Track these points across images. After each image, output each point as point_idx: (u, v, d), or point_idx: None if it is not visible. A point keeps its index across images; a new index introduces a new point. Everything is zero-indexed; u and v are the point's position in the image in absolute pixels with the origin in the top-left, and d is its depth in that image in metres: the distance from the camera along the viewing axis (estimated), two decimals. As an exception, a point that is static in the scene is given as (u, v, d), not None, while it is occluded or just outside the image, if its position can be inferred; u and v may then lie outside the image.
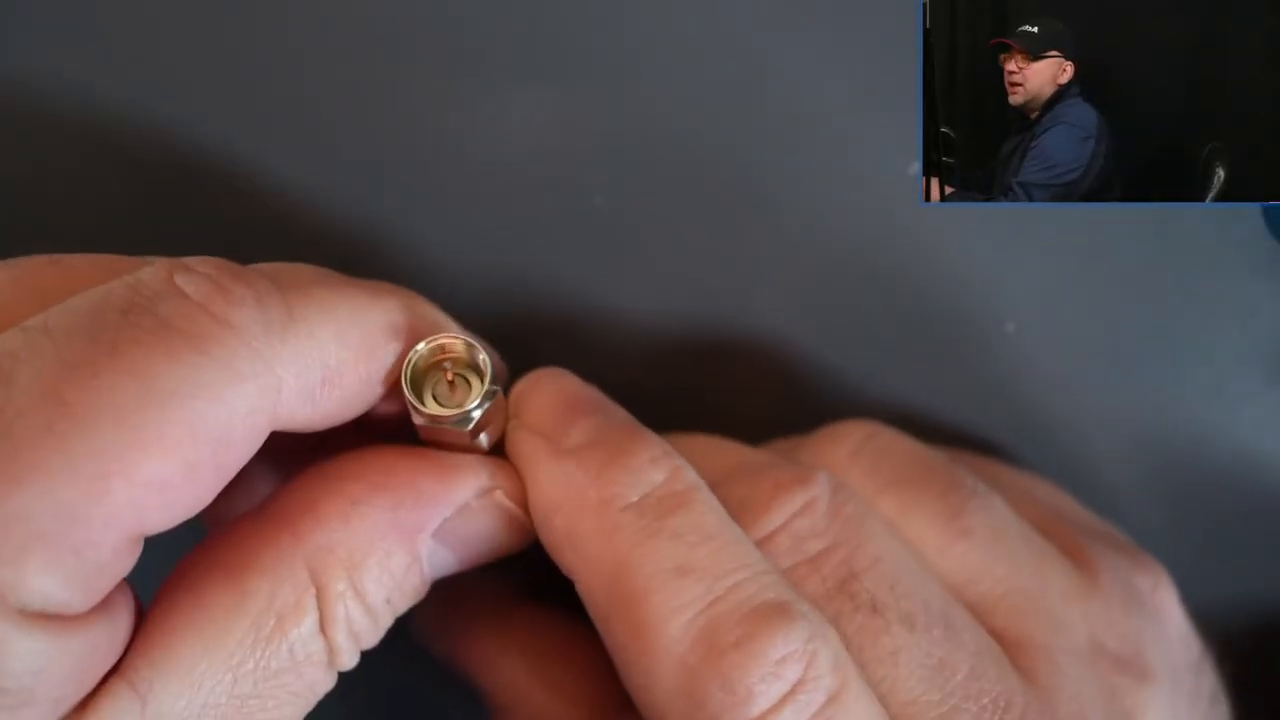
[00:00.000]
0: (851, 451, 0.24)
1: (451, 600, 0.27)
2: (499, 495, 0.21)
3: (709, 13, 0.25)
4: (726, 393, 0.28)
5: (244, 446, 0.18)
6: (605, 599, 0.20)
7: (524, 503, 0.21)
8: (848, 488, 0.23)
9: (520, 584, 0.27)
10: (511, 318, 0.27)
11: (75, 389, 0.16)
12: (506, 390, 0.22)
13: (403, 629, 0.23)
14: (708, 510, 0.20)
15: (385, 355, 0.20)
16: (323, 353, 0.19)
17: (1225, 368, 0.28)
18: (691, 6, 0.25)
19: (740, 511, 0.21)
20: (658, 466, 0.20)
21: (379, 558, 0.20)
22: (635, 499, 0.20)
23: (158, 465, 0.16)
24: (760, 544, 0.21)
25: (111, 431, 0.16)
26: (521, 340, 0.27)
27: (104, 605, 0.17)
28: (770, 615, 0.19)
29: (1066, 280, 0.27)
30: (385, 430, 0.22)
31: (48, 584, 0.16)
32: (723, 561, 0.19)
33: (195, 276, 0.18)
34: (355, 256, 0.27)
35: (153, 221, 0.27)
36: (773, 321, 0.28)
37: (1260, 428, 0.28)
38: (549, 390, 0.22)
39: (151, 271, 0.18)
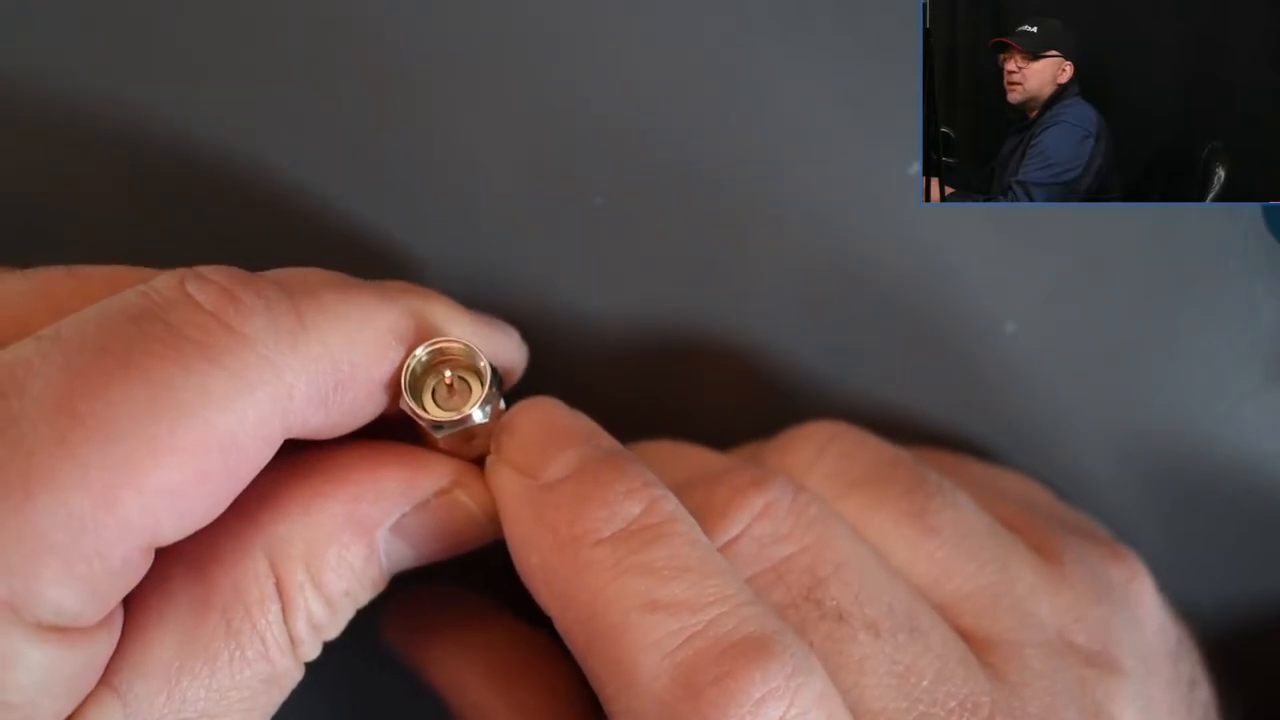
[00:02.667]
0: (815, 452, 0.24)
1: (419, 615, 0.27)
2: (459, 494, 0.21)
3: (709, 13, 0.25)
4: (724, 392, 0.28)
5: (256, 455, 0.18)
6: (583, 637, 0.19)
7: (484, 503, 0.21)
8: (808, 490, 0.23)
9: (489, 596, 0.27)
10: (511, 318, 0.27)
11: (87, 399, 0.16)
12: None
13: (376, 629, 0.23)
14: (685, 541, 0.20)
15: (397, 357, 0.20)
16: (334, 358, 0.19)
17: (1225, 368, 0.28)
18: (692, 6, 0.25)
19: (699, 518, 0.21)
20: (634, 499, 0.20)
21: (337, 549, 0.20)
22: (608, 534, 0.19)
23: (169, 475, 0.17)
24: (723, 549, 0.21)
25: (123, 442, 0.16)
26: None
27: (107, 617, 0.17)
28: (750, 651, 0.18)
29: (1066, 280, 0.27)
30: (405, 433, 0.22)
31: (62, 595, 0.16)
32: (700, 594, 0.19)
33: (207, 285, 0.18)
34: (355, 258, 0.27)
35: (157, 227, 0.27)
36: (772, 321, 0.28)
37: (1260, 428, 0.28)
38: (530, 423, 0.22)
39: (163, 280, 0.18)
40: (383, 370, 0.20)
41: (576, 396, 0.28)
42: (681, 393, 0.29)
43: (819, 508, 0.22)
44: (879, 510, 0.23)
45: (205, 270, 0.19)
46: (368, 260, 0.27)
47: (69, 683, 0.17)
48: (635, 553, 0.19)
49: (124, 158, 0.26)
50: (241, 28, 0.25)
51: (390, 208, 0.27)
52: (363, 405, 0.20)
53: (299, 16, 0.25)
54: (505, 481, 0.21)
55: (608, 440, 0.21)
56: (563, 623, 0.20)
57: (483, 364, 0.21)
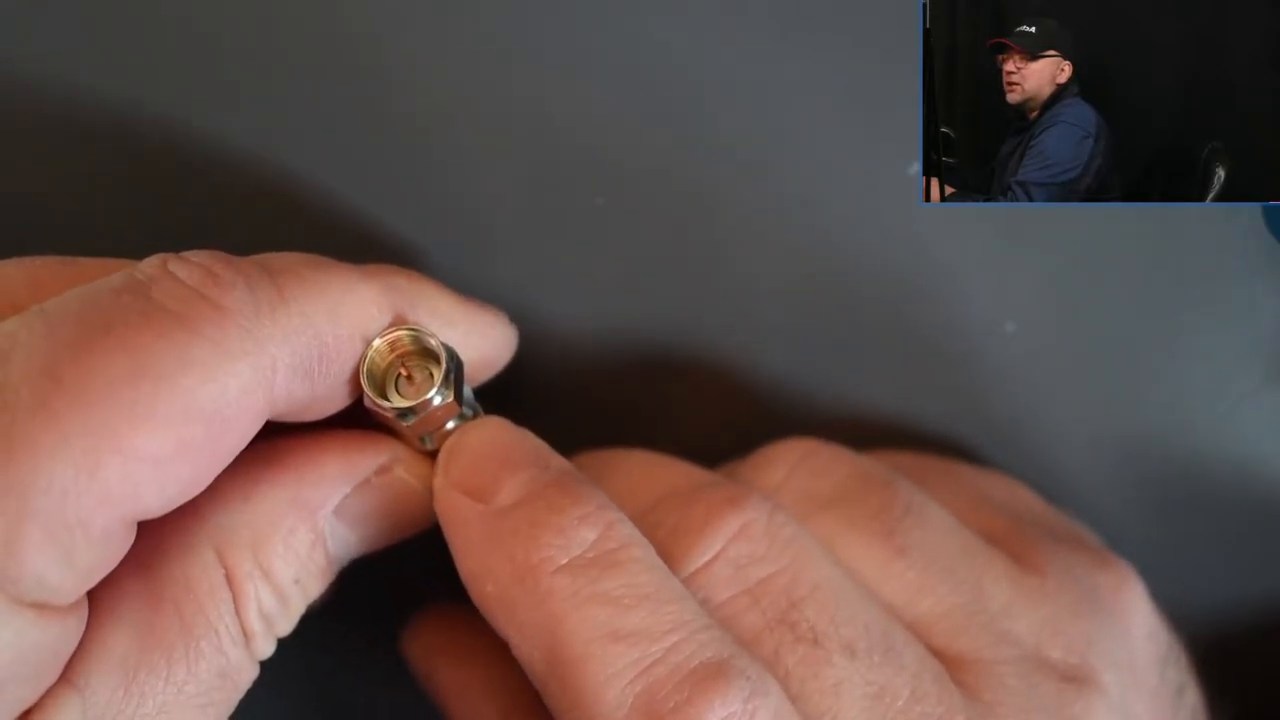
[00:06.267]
0: (786, 472, 0.24)
1: (439, 635, 0.27)
2: (398, 471, 0.21)
3: (710, 12, 0.25)
4: (723, 391, 0.28)
5: (239, 427, 0.18)
6: (542, 666, 0.19)
7: (426, 479, 0.21)
8: (784, 510, 0.23)
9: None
10: (510, 319, 0.27)
11: (68, 366, 0.16)
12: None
13: (336, 626, 0.23)
14: (642, 568, 0.20)
15: (380, 330, 0.20)
16: (316, 329, 0.19)
17: (1225, 368, 0.28)
18: (692, 6, 0.25)
19: (675, 538, 0.21)
20: (588, 524, 0.20)
21: (283, 536, 0.20)
22: (565, 561, 0.19)
23: (150, 441, 0.17)
24: (699, 572, 0.21)
25: (104, 407, 0.16)
26: (518, 340, 0.27)
27: (76, 603, 0.17)
28: (707, 677, 0.19)
29: (1066, 280, 0.27)
30: (380, 429, 0.22)
31: (43, 564, 0.16)
32: (658, 622, 0.19)
33: (188, 264, 0.18)
34: (354, 257, 0.27)
35: (157, 227, 0.27)
36: (771, 320, 0.28)
37: (1260, 428, 0.28)
38: (478, 444, 0.21)
39: (147, 261, 0.19)
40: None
41: (576, 393, 0.28)
42: (681, 390, 0.29)
43: (794, 528, 0.22)
44: (849, 531, 0.23)
45: (188, 253, 0.19)
46: (366, 258, 0.27)
47: (37, 667, 0.17)
48: (594, 582, 0.19)
49: (124, 158, 0.26)
50: (242, 29, 0.25)
51: (389, 207, 0.27)
52: (349, 379, 0.20)
53: (299, 17, 0.25)
54: (455, 506, 0.21)
55: (557, 460, 0.21)
56: (521, 650, 0.20)
57: (434, 344, 0.21)
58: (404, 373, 0.21)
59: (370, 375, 0.20)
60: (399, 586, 0.26)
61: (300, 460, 0.21)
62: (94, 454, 0.16)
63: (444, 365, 0.21)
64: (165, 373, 0.17)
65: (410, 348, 0.21)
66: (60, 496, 0.16)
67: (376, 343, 0.20)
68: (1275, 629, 0.30)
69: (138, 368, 0.17)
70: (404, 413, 0.21)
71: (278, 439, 0.21)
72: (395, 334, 0.21)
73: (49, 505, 0.16)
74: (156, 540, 0.19)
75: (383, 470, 0.21)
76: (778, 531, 0.22)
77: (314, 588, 0.21)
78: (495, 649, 0.27)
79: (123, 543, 0.17)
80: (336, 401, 0.20)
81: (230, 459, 0.18)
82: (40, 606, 0.16)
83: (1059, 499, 0.29)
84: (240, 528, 0.20)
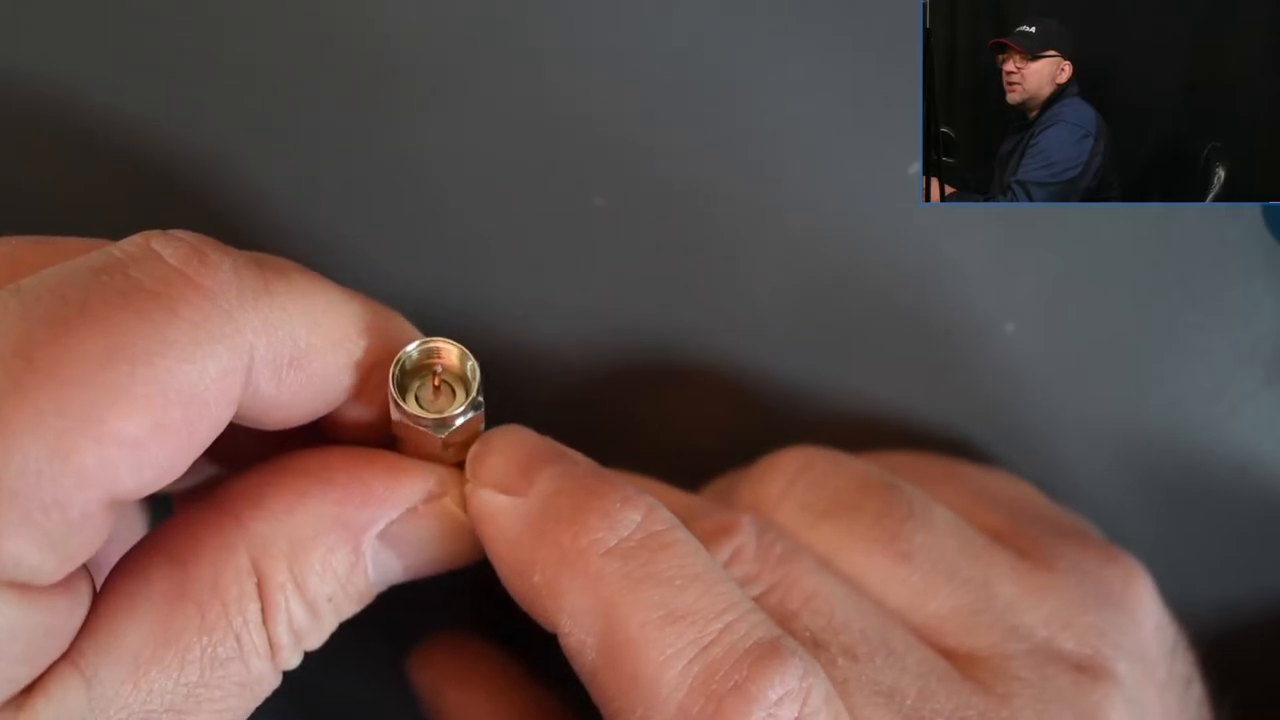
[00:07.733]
0: (786, 484, 0.24)
1: (448, 663, 0.27)
2: (447, 502, 0.21)
3: (710, 12, 0.25)
4: (723, 392, 0.28)
5: (216, 411, 0.18)
6: (595, 650, 0.19)
7: None
8: (774, 528, 0.23)
9: (514, 651, 0.28)
10: (509, 317, 0.28)
11: (42, 346, 0.16)
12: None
13: (358, 644, 0.23)
14: (689, 550, 0.20)
15: (354, 349, 0.20)
16: (293, 330, 0.19)
17: (1225, 368, 0.28)
18: (693, 6, 0.25)
19: None
20: (632, 507, 0.20)
21: (322, 553, 0.20)
22: (614, 543, 0.19)
23: (127, 423, 0.16)
24: None
25: (79, 388, 0.16)
26: (518, 341, 0.27)
27: (67, 584, 0.17)
28: (764, 655, 0.19)
29: (1066, 280, 0.27)
30: (351, 441, 0.22)
31: (20, 546, 0.16)
32: (711, 602, 0.19)
33: (174, 241, 0.18)
34: (352, 255, 0.27)
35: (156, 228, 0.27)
36: (771, 320, 0.28)
37: (1260, 428, 0.28)
38: (505, 445, 0.21)
39: (130, 239, 0.18)
40: (339, 360, 0.20)
41: (575, 395, 0.28)
42: (681, 390, 0.29)
43: (784, 545, 0.22)
44: (850, 539, 0.23)
45: (174, 231, 0.18)
46: (366, 258, 0.27)
47: (26, 647, 0.17)
48: (646, 563, 0.19)
49: (124, 158, 0.26)
50: (243, 30, 0.25)
51: (387, 207, 0.27)
52: (315, 392, 0.20)
53: (298, 19, 0.25)
54: (491, 503, 0.20)
55: (581, 456, 0.21)
56: (572, 637, 0.19)
57: (471, 368, 0.21)
58: (434, 384, 0.21)
59: (397, 378, 0.20)
60: (405, 613, 0.26)
61: (348, 479, 0.20)
62: (69, 436, 0.16)
63: (475, 384, 0.21)
64: (143, 353, 0.16)
65: (441, 360, 0.21)
66: (35, 478, 0.16)
67: (410, 348, 0.20)
68: (1275, 626, 0.30)
69: (114, 348, 0.16)
70: (428, 423, 0.20)
71: (326, 453, 0.21)
72: (433, 344, 0.20)
73: (23, 487, 0.16)
74: (192, 541, 0.19)
75: (432, 498, 0.21)
76: (768, 551, 0.22)
77: (349, 608, 0.20)
78: (500, 675, 0.27)
79: (103, 525, 0.17)
80: (297, 414, 0.20)
81: (208, 443, 0.18)
82: (22, 587, 0.16)
83: (1060, 497, 0.29)
84: (279, 538, 0.19)
